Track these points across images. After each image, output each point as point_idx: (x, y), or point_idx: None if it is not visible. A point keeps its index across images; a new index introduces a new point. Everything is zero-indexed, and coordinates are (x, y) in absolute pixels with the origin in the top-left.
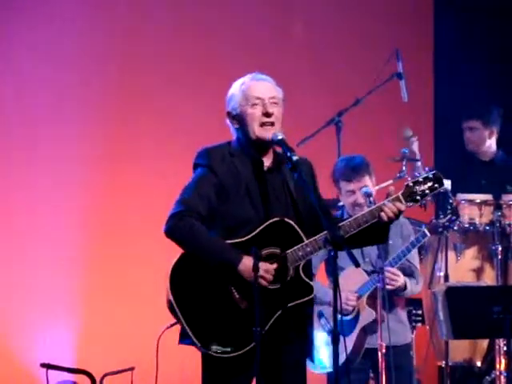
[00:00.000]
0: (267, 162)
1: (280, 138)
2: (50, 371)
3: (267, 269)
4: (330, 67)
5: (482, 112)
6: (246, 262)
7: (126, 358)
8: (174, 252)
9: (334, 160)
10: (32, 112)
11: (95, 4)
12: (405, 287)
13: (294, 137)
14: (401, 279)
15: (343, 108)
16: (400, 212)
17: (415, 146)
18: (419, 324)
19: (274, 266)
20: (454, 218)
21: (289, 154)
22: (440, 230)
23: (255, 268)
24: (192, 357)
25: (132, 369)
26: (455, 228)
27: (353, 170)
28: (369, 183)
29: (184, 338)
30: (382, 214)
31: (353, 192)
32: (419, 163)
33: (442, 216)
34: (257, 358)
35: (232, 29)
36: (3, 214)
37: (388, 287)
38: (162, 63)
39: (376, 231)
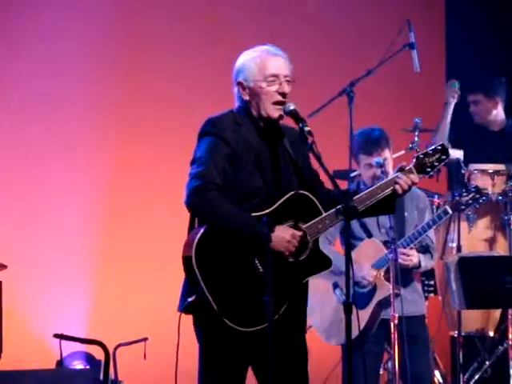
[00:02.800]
0: (272, 133)
1: (292, 108)
2: (63, 341)
3: (293, 233)
4: (341, 38)
5: (484, 84)
6: (279, 234)
7: (139, 329)
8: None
9: (345, 130)
10: (38, 107)
11: None
12: (419, 265)
13: (306, 107)
14: (414, 258)
15: (355, 78)
16: (414, 183)
17: (452, 103)
18: (432, 294)
19: (300, 233)
20: (477, 196)
21: (301, 125)
22: (462, 207)
23: (267, 240)
24: None
25: (145, 339)
26: (477, 206)
27: (373, 143)
28: (388, 157)
29: (197, 308)
30: (397, 186)
31: (372, 165)
32: (446, 130)
33: (465, 194)
34: (269, 328)
35: (244, 1)
36: (14, 185)
37: (402, 265)
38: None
39: (384, 202)
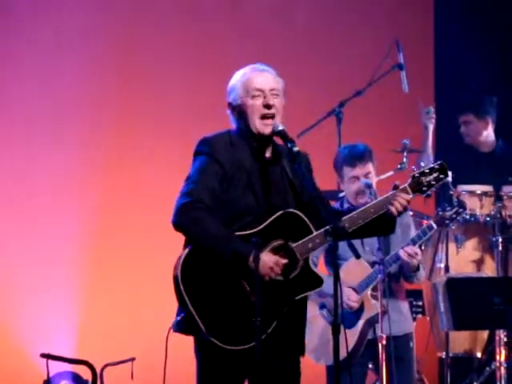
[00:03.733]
0: (267, 152)
1: (280, 128)
2: (50, 361)
3: (277, 262)
4: (330, 58)
5: (474, 104)
6: (262, 259)
7: (126, 349)
8: (178, 243)
9: (334, 151)
10: (33, 111)
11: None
12: (418, 268)
13: (295, 128)
14: (419, 255)
15: (344, 99)
16: (408, 203)
17: (431, 124)
18: (420, 315)
19: (285, 260)
20: (460, 210)
21: (289, 145)
22: (447, 222)
23: (256, 258)
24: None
25: (133, 359)
26: (461, 220)
27: (357, 156)
28: (372, 170)
29: (185, 326)
30: (392, 207)
31: (356, 178)
32: (430, 150)
33: (448, 208)
34: (257, 347)
35: (233, 20)
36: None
37: (406, 262)
38: (164, 56)
39: (383, 222)
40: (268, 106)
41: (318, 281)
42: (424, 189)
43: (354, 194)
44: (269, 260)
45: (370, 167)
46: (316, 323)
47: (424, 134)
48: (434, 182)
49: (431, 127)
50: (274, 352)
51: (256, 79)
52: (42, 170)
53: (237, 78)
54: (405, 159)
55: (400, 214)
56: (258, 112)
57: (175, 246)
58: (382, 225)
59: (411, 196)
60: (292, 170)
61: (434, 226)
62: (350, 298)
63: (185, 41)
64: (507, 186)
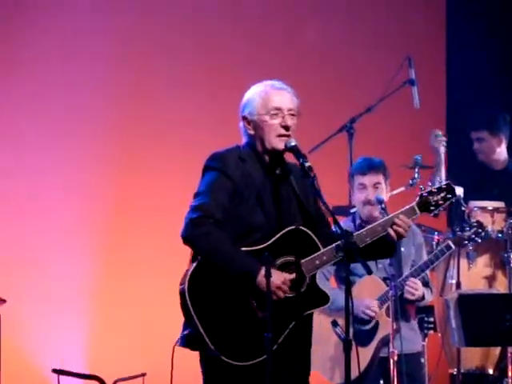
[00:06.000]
0: (278, 169)
1: (293, 144)
2: (61, 377)
3: (284, 280)
4: (342, 74)
5: (488, 121)
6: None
7: (137, 364)
8: (188, 257)
9: (345, 166)
10: (39, 113)
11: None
12: (423, 297)
13: (306, 143)
14: (420, 290)
15: (355, 115)
16: (409, 228)
17: (442, 147)
18: (431, 331)
19: (292, 276)
20: (479, 230)
21: (301, 161)
22: (465, 242)
23: (267, 273)
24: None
25: (143, 375)
26: (479, 241)
27: (369, 165)
28: (382, 182)
29: (191, 342)
30: (391, 231)
31: (364, 186)
32: (442, 166)
33: (467, 229)
34: (269, 363)
35: (244, 36)
36: (14, 218)
37: (409, 297)
38: (171, 64)
39: (383, 245)
40: (286, 128)
41: (324, 298)
42: (432, 208)
43: (362, 203)
44: (276, 279)
45: (380, 178)
46: (329, 341)
47: (436, 157)
48: (441, 202)
49: (442, 150)
50: (281, 369)
51: (275, 97)
52: (51, 179)
53: (254, 93)
54: (416, 175)
55: (400, 236)
56: (275, 131)
57: (187, 260)
58: (382, 248)
59: (417, 215)
60: (300, 187)
61: (453, 246)
62: (371, 305)
63: (196, 61)
64: None
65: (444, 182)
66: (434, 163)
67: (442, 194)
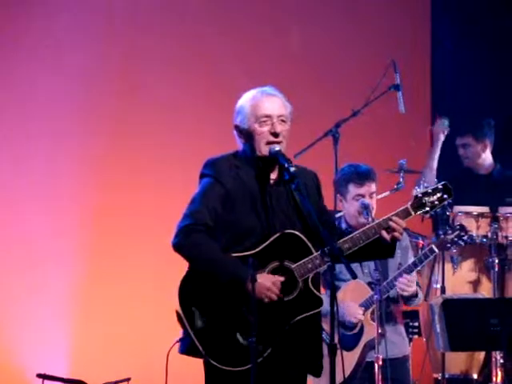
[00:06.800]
0: (273, 175)
1: (277, 149)
2: (46, 382)
3: (274, 282)
4: (327, 78)
5: (473, 127)
6: (260, 281)
7: (122, 369)
8: (175, 261)
9: (330, 171)
10: (28, 109)
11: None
12: (416, 294)
13: (292, 148)
14: (414, 286)
15: (340, 119)
16: (402, 232)
17: (442, 137)
18: (416, 336)
19: (281, 278)
20: (462, 233)
21: (286, 165)
22: (448, 245)
23: (253, 279)
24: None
25: (128, 379)
26: (462, 244)
27: (364, 175)
28: (375, 190)
29: (188, 349)
30: (385, 233)
31: (362, 197)
32: (435, 164)
33: (450, 232)
34: (253, 366)
35: (230, 42)
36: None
37: (404, 293)
38: (162, 61)
39: (381, 246)
40: (275, 134)
41: (318, 301)
42: (427, 209)
43: (357, 212)
44: (265, 280)
45: (374, 187)
46: None
47: (433, 145)
48: (437, 203)
49: (442, 138)
50: (279, 372)
51: (265, 104)
52: (37, 179)
53: (245, 101)
54: (401, 179)
55: (394, 240)
56: (264, 139)
57: (171, 264)
58: (381, 248)
59: (412, 217)
60: (308, 190)
61: (436, 249)
62: (357, 312)
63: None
64: (503, 208)
65: (441, 182)
66: (428, 153)
67: (438, 195)
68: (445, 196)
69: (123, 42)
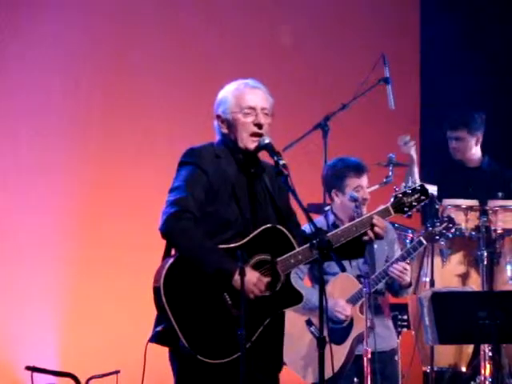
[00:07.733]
0: (252, 167)
1: (267, 142)
2: (34, 374)
3: (259, 278)
4: (317, 71)
5: (467, 120)
6: (246, 276)
7: (111, 362)
8: (160, 254)
9: (319, 164)
10: (18, 109)
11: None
12: (410, 284)
13: (281, 141)
14: (409, 274)
15: (330, 112)
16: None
17: (413, 151)
18: (405, 329)
19: (268, 279)
20: (450, 225)
21: (276, 158)
22: (436, 237)
23: (242, 272)
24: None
25: (117, 372)
26: (451, 236)
27: (361, 166)
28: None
29: (165, 338)
30: (370, 232)
31: (361, 188)
32: (415, 168)
33: (438, 224)
34: (242, 360)
35: (220, 35)
36: None
37: (399, 280)
38: (157, 62)
39: (353, 246)
40: (259, 126)
41: (298, 297)
42: (405, 209)
43: (355, 203)
44: (252, 276)
45: (366, 178)
46: (304, 340)
47: (410, 162)
48: (415, 203)
49: (414, 155)
50: (253, 366)
51: (249, 96)
52: (26, 177)
53: (228, 92)
54: (390, 173)
55: (378, 237)
56: (247, 130)
57: (160, 257)
58: (354, 248)
59: (391, 216)
60: (273, 186)
61: (424, 241)
62: (345, 309)
63: (168, 56)
64: (492, 201)
65: (418, 184)
66: (407, 163)
67: (416, 196)
68: (422, 197)
69: (115, 40)
